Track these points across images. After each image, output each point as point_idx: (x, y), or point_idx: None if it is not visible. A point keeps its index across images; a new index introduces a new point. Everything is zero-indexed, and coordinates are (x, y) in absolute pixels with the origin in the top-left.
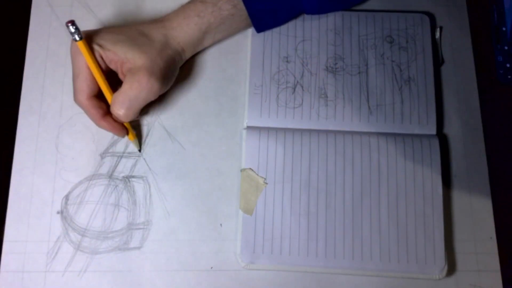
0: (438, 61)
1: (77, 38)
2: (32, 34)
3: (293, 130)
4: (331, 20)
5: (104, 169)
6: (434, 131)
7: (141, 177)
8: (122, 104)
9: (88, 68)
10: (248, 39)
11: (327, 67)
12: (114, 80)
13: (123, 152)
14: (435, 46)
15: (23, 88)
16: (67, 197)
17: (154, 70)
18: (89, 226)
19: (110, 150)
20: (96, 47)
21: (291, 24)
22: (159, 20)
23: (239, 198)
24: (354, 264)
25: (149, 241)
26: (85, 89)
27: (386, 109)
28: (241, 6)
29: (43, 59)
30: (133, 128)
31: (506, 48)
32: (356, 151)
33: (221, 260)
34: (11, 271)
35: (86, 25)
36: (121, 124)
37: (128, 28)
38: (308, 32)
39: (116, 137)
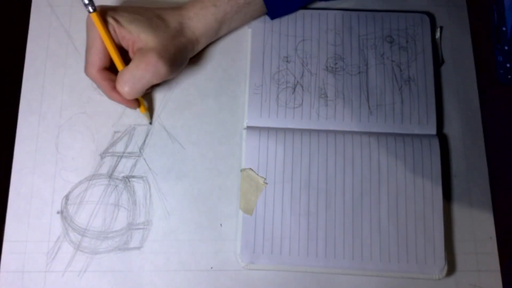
0: (438, 61)
1: (90, 10)
2: (32, 34)
3: (293, 130)
4: (331, 20)
5: (104, 169)
6: (434, 131)
7: (141, 177)
8: (126, 82)
9: (101, 41)
10: (248, 39)
11: (327, 67)
12: (123, 59)
13: (123, 152)
14: (435, 46)
15: (23, 88)
16: (67, 197)
17: (164, 54)
18: (89, 226)
19: (110, 150)
20: (111, 21)
21: (291, 24)
22: (177, 8)
23: (239, 198)
24: (354, 264)
25: (149, 241)
26: (96, 62)
27: (386, 109)
28: None
29: (43, 59)
30: (145, 100)
31: (506, 48)
32: (356, 151)
33: (221, 260)
34: (11, 271)
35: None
36: None
37: (146, 10)
38: (308, 32)
39: (116, 137)
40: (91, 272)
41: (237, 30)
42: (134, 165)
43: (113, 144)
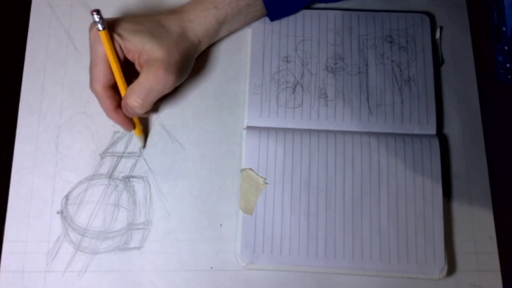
0: (438, 61)
1: (100, 28)
2: (32, 34)
3: (293, 130)
4: (331, 20)
5: (104, 169)
6: (434, 131)
7: (141, 177)
8: (139, 95)
9: (107, 59)
10: (248, 39)
11: (327, 67)
12: (130, 72)
13: (123, 152)
14: (435, 46)
15: (23, 88)
16: (67, 197)
17: (171, 63)
18: (89, 226)
19: (110, 150)
20: (115, 36)
21: (291, 24)
22: (177, 11)
23: (239, 198)
24: (354, 264)
25: (149, 241)
26: (102, 79)
27: (386, 109)
28: None
29: (43, 59)
30: (140, 124)
31: (506, 48)
32: (356, 151)
33: (221, 260)
34: (11, 271)
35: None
36: (130, 119)
37: (147, 19)
38: (308, 32)
39: (116, 137)
40: (91, 272)
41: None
42: (134, 165)
43: (113, 144)
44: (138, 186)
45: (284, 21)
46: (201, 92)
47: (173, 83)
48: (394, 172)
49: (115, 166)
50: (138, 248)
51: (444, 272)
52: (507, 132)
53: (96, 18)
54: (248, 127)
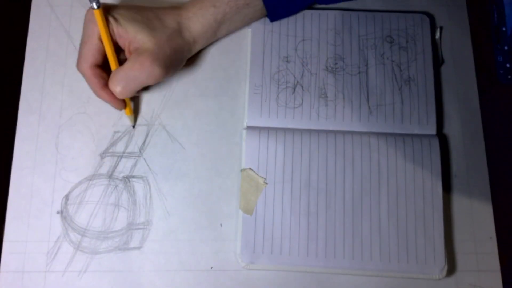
0: (438, 61)
1: (95, 6)
2: (32, 34)
3: (293, 130)
4: (331, 20)
5: (104, 169)
6: (434, 131)
7: (141, 177)
8: (120, 82)
9: (98, 38)
10: (248, 39)
11: (327, 67)
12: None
13: (123, 152)
14: (435, 46)
15: (23, 88)
16: (67, 197)
17: (159, 56)
18: (89, 226)
19: (110, 150)
20: (111, 19)
21: (291, 24)
22: (176, 8)
23: (239, 198)
24: (354, 264)
25: (149, 241)
26: (89, 57)
27: (386, 109)
28: None
29: (43, 59)
30: (132, 102)
31: (506, 48)
32: (356, 151)
33: (221, 260)
34: (11, 271)
35: None
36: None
37: (146, 10)
38: (308, 32)
39: (116, 137)
40: (91, 272)
41: (237, 31)
42: (134, 165)
43: (113, 144)
44: (138, 186)
45: (284, 21)
46: (201, 92)
47: (158, 77)
48: (394, 172)
49: (115, 166)
50: (138, 248)
51: (444, 272)
52: (507, 132)
53: None
54: (248, 127)
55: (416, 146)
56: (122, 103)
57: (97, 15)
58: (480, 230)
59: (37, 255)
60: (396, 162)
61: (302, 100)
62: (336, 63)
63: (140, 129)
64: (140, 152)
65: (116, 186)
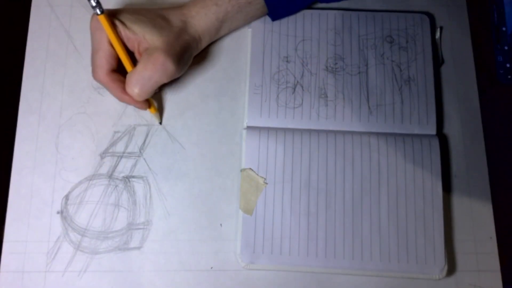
0: (438, 61)
1: (98, 12)
2: (32, 34)
3: (293, 130)
4: (331, 20)
5: (104, 169)
6: (434, 131)
7: (141, 177)
8: (136, 84)
9: (108, 44)
10: (248, 39)
11: (327, 67)
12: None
13: (123, 152)
14: (435, 46)
15: (23, 88)
16: (67, 197)
17: (170, 53)
18: (89, 226)
19: (110, 150)
20: (116, 23)
21: (291, 24)
22: (179, 7)
23: (239, 198)
24: (354, 264)
25: (149, 241)
26: (104, 65)
27: (386, 109)
28: None
29: (43, 59)
30: (155, 101)
31: (506, 48)
32: (356, 151)
33: (221, 260)
34: (11, 271)
35: (86, 25)
36: None
37: (149, 11)
38: (308, 32)
39: (116, 137)
40: (91, 272)
41: (238, 30)
42: (134, 165)
43: (113, 144)
44: (138, 186)
45: (284, 21)
46: (201, 92)
47: (172, 73)
48: (394, 172)
49: (115, 166)
50: (138, 248)
51: (444, 272)
52: (507, 132)
53: (93, 2)
54: (248, 127)
55: (416, 146)
56: (145, 103)
57: (103, 20)
58: (480, 230)
59: (37, 255)
60: (396, 162)
61: (302, 100)
62: (336, 63)
63: (140, 129)
64: (140, 152)
65: (116, 186)
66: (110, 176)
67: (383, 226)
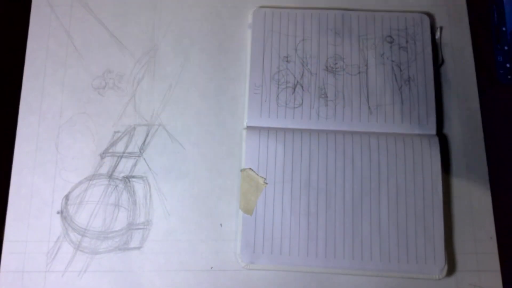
0: (438, 61)
1: None
2: (32, 34)
3: (293, 130)
4: (331, 20)
5: (104, 169)
6: (434, 131)
7: (141, 177)
8: None
9: None
10: (248, 39)
11: (327, 67)
12: None
13: (123, 152)
14: (435, 46)
15: (23, 88)
16: (67, 197)
17: None
18: (89, 226)
19: (110, 150)
20: None
21: (291, 24)
22: None
23: (239, 198)
24: (354, 264)
25: (149, 241)
26: None
27: (386, 109)
28: None
29: (43, 59)
30: None
31: (506, 48)
32: (356, 151)
33: (221, 260)
34: (11, 271)
35: (86, 25)
36: None
37: None
38: (308, 32)
39: (116, 137)
40: (91, 272)
41: (237, 30)
42: (134, 165)
43: (113, 144)
44: (138, 186)
45: (284, 21)
46: (201, 92)
47: None
48: (394, 172)
49: (115, 166)
50: (138, 248)
51: (444, 272)
52: (507, 132)
53: None
54: (248, 127)
55: (416, 146)
56: None
57: None
58: (480, 230)
59: (37, 255)
60: (396, 162)
61: (302, 100)
62: (336, 63)
63: (140, 129)
64: (140, 152)
65: (116, 186)
66: (110, 176)
67: (383, 226)
